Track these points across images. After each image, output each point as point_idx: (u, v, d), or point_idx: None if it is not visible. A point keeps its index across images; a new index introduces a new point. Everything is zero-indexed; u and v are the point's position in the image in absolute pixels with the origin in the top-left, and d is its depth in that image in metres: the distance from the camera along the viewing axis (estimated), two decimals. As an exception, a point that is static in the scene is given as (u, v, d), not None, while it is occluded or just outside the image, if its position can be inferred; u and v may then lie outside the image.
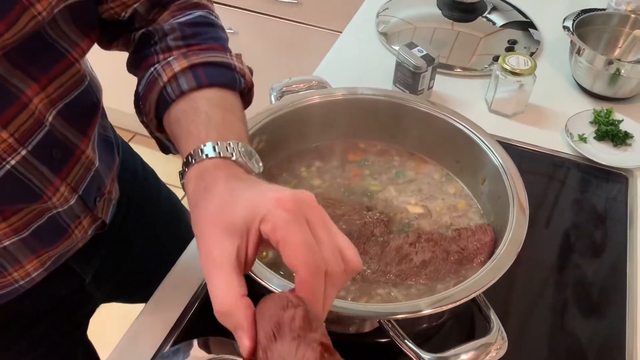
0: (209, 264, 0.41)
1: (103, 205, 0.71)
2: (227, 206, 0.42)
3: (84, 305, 0.82)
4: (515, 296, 0.78)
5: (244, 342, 0.39)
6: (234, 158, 0.47)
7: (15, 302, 0.66)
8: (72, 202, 0.63)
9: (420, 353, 0.54)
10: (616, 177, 0.94)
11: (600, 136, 1.00)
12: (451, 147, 0.79)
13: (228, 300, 0.40)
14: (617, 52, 1.13)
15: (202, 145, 0.48)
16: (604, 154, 0.97)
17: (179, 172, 0.50)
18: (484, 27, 1.26)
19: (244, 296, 0.40)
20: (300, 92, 0.81)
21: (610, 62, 1.02)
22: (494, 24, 1.27)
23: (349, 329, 0.65)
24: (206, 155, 0.47)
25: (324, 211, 0.42)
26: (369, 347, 0.69)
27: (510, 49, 1.20)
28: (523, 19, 1.28)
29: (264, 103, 0.80)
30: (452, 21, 1.26)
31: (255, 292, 0.72)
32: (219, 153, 0.47)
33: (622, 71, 1.01)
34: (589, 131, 1.01)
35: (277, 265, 0.66)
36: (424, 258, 0.68)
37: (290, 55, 1.76)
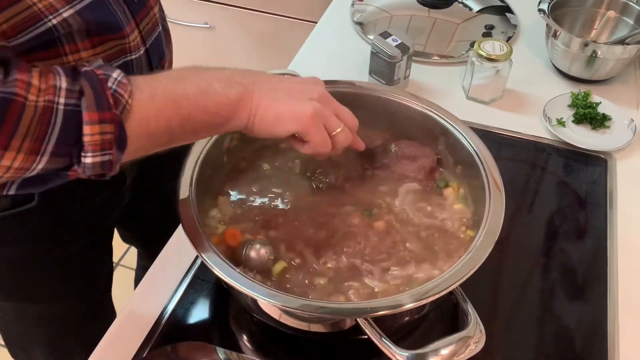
0: None
1: None
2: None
3: (114, 211, 0.89)
4: (501, 283, 0.77)
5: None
6: None
7: (68, 199, 0.75)
8: (142, 51, 0.71)
9: (397, 351, 0.53)
10: (595, 161, 0.94)
11: (579, 119, 0.99)
12: (427, 137, 0.78)
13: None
14: (593, 33, 1.12)
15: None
16: (583, 138, 0.97)
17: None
18: (460, 13, 1.25)
19: None
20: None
21: (586, 44, 1.01)
22: (470, 9, 1.26)
23: (329, 328, 0.65)
24: None
25: (331, 107, 0.64)
26: (350, 345, 0.68)
27: (487, 34, 1.19)
28: (499, 3, 1.27)
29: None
30: (428, 8, 1.25)
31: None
32: None
33: (599, 53, 1.00)
34: (567, 115, 1.00)
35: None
36: None
37: (268, 48, 1.74)
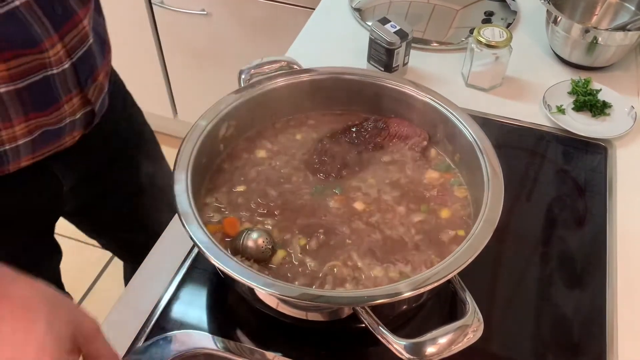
0: None
1: (94, 90, 0.76)
2: None
3: (56, 212, 0.87)
4: (499, 271, 0.77)
5: None
6: None
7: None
8: (66, 66, 0.68)
9: (394, 340, 0.53)
10: (595, 148, 0.93)
11: (579, 107, 0.98)
12: (426, 124, 0.77)
13: None
14: (594, 19, 1.11)
15: None
16: (583, 125, 0.96)
17: None
18: (459, -1, 1.24)
19: None
20: (270, 74, 0.79)
21: (587, 31, 1.00)
22: (469, -5, 1.24)
23: (327, 316, 0.64)
24: None
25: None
26: (348, 334, 0.68)
27: (487, 20, 1.18)
28: (499, -11, 1.26)
29: (237, 86, 0.78)
30: (427, -6, 1.24)
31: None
32: None
33: (600, 39, 0.99)
34: (567, 102, 0.99)
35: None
36: None
37: (266, 35, 1.73)
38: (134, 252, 1.11)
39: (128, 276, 1.25)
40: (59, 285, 0.99)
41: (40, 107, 0.68)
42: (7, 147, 0.68)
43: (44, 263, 0.92)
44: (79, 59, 0.70)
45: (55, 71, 0.67)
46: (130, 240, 1.06)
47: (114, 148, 0.89)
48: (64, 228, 0.96)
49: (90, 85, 0.74)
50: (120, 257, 1.22)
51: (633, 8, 1.07)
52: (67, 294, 1.01)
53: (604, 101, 0.98)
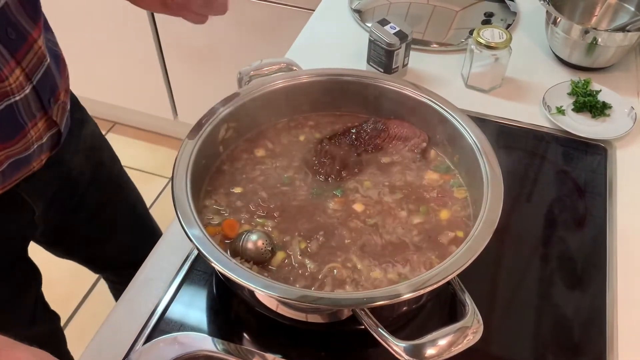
0: None
1: (58, 110, 0.75)
2: None
3: (28, 238, 0.86)
4: (499, 273, 0.77)
5: None
6: None
7: None
8: (28, 90, 0.66)
9: (394, 342, 0.53)
10: (595, 149, 0.93)
11: (579, 108, 0.98)
12: (426, 126, 0.77)
13: None
14: (593, 20, 1.11)
15: None
16: (583, 126, 0.96)
17: None
18: (459, 0, 1.24)
19: None
20: (270, 75, 0.79)
21: (586, 32, 1.00)
22: (469, -4, 1.24)
23: (327, 318, 0.64)
24: None
25: None
26: (347, 335, 0.68)
27: (486, 21, 1.18)
28: (499, -10, 1.26)
29: (236, 87, 0.78)
30: (426, -5, 1.24)
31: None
32: None
33: (599, 40, 0.99)
34: (567, 103, 0.99)
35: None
36: None
37: (264, 36, 1.73)
38: (102, 265, 1.10)
39: (111, 290, 1.23)
40: (44, 306, 0.97)
41: (6, 137, 0.67)
42: None
43: (25, 287, 0.90)
44: (39, 81, 0.69)
45: (17, 98, 0.65)
46: (96, 256, 1.05)
47: (78, 165, 0.87)
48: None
49: (53, 106, 0.73)
50: (94, 272, 1.20)
51: (632, 9, 1.07)
52: (55, 313, 1.01)
53: (603, 102, 0.98)
